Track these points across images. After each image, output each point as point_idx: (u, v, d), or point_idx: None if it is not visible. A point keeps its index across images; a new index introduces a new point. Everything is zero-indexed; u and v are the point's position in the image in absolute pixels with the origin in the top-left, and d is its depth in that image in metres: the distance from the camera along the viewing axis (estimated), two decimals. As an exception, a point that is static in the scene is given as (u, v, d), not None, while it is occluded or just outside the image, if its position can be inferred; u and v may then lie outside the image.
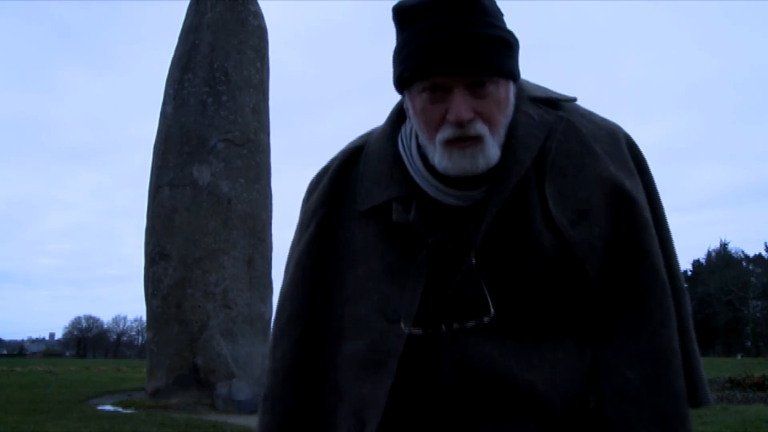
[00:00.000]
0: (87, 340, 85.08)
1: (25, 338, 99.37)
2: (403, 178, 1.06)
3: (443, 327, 0.99)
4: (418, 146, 1.05)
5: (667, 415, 0.96)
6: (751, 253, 58.22)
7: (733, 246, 60.36)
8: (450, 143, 0.97)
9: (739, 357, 38.31)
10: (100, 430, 6.91)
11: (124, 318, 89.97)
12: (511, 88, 1.02)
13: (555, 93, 1.12)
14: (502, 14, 1.01)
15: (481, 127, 0.97)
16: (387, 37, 1.05)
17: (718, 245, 60.19)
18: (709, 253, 59.30)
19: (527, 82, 1.11)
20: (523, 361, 0.98)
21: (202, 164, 10.18)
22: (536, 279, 0.99)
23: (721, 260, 56.27)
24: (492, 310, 0.97)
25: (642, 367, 0.97)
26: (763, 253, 56.26)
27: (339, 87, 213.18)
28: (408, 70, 0.98)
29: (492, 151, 0.98)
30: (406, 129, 1.10)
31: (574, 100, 1.12)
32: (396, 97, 1.11)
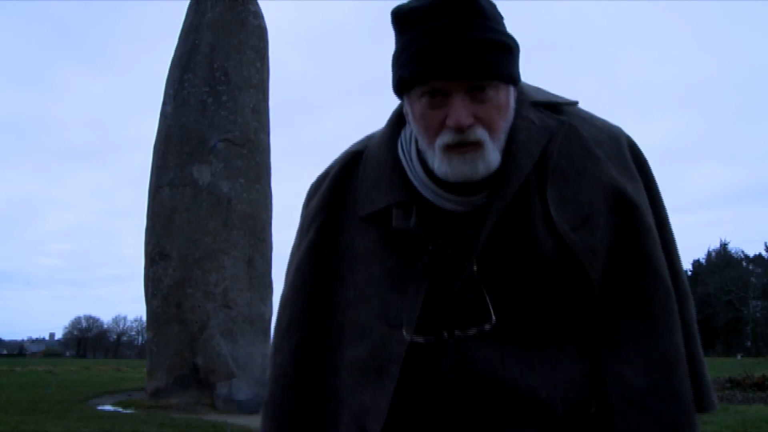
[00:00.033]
0: (87, 340, 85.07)
1: (25, 338, 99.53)
2: (403, 183, 1.05)
3: (445, 334, 0.98)
4: (418, 151, 1.04)
5: (675, 421, 0.95)
6: (751, 253, 58.33)
7: (733, 246, 60.49)
8: (449, 148, 0.96)
9: (739, 357, 38.33)
10: (100, 430, 6.90)
11: (124, 318, 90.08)
12: (512, 92, 1.01)
13: (556, 96, 1.11)
14: (502, 18, 1.00)
15: (481, 133, 0.96)
16: (387, 38, 1.04)
17: (718, 245, 60.30)
18: (709, 253, 59.36)
19: (528, 86, 1.10)
20: (524, 366, 0.97)
21: (202, 164, 10.18)
22: (538, 284, 0.99)
23: (721, 260, 56.29)
24: (493, 317, 0.96)
25: (648, 373, 0.97)
26: (763, 253, 56.31)
27: (339, 87, 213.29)
28: (407, 74, 0.97)
29: (492, 156, 0.97)
30: (406, 133, 1.08)
31: (576, 103, 1.11)
32: (396, 99, 1.10)
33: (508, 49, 0.97)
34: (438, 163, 0.98)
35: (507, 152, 1.00)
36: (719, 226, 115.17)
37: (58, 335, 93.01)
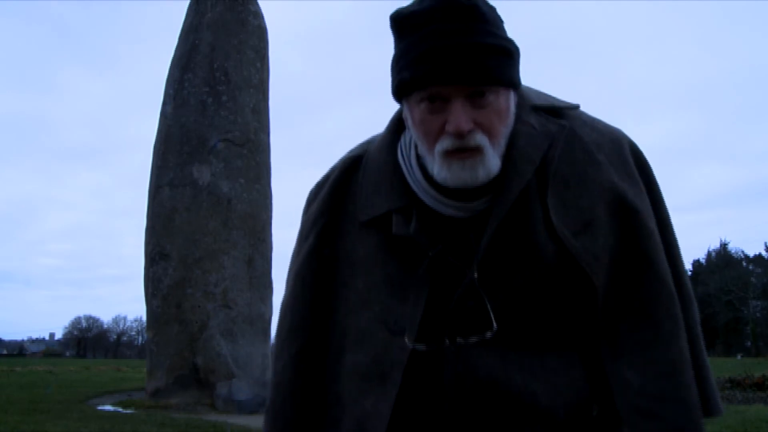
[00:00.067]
0: (87, 340, 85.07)
1: (25, 338, 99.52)
2: (402, 188, 1.04)
3: (446, 341, 0.98)
4: (418, 156, 1.03)
5: (685, 429, 0.95)
6: (751, 253, 58.32)
7: (733, 246, 60.48)
8: (449, 154, 0.95)
9: (739, 357, 38.32)
10: (100, 430, 6.90)
11: (124, 318, 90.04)
12: (512, 97, 1.00)
13: (557, 100, 1.09)
14: (502, 22, 0.98)
15: (480, 138, 0.95)
16: (387, 38, 1.03)
17: (718, 245, 60.30)
18: (709, 253, 59.36)
19: (529, 90, 1.09)
20: (526, 372, 0.97)
21: (202, 164, 10.18)
22: (539, 290, 0.98)
23: (721, 260, 56.29)
24: (495, 324, 0.96)
25: (656, 381, 0.96)
26: (763, 253, 56.30)
27: (339, 87, 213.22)
28: (406, 79, 0.96)
29: (492, 162, 0.96)
30: (405, 138, 1.07)
31: (577, 107, 1.10)
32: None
33: (509, 53, 0.96)
34: (437, 169, 0.97)
35: (507, 158, 0.99)
36: (719, 226, 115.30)
37: (58, 335, 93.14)
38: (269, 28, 11.35)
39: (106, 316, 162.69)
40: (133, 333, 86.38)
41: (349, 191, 1.11)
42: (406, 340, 0.98)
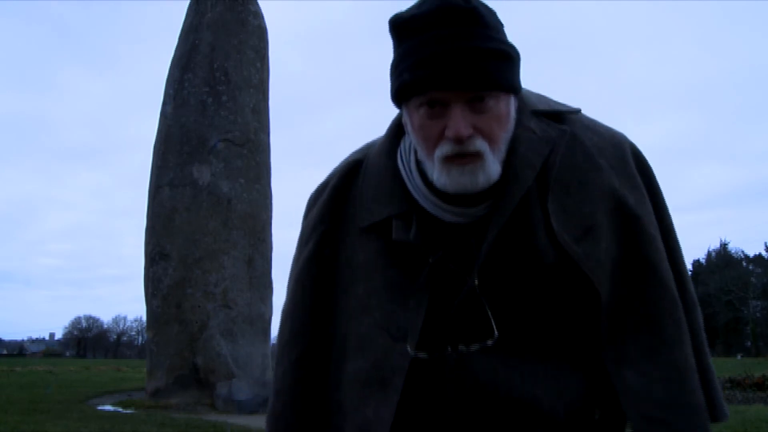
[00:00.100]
0: (87, 340, 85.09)
1: (25, 338, 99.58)
2: (402, 194, 1.03)
3: (448, 348, 0.98)
4: (417, 161, 1.02)
5: None
6: (751, 253, 58.31)
7: (733, 246, 60.45)
8: (449, 160, 0.94)
9: (739, 357, 38.36)
10: (100, 430, 6.90)
11: (124, 318, 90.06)
12: (512, 102, 0.99)
13: (558, 105, 1.09)
14: (502, 26, 0.98)
15: (480, 144, 0.94)
16: (387, 38, 1.02)
17: (718, 245, 60.26)
18: (709, 253, 59.35)
19: (530, 94, 1.08)
20: (527, 376, 0.97)
21: (202, 164, 10.18)
22: (540, 296, 0.98)
23: (721, 260, 56.29)
24: (496, 332, 0.96)
25: (663, 388, 0.96)
26: (763, 253, 56.30)
27: (339, 87, 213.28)
28: (405, 84, 0.95)
29: (492, 167, 0.95)
30: (405, 143, 1.07)
31: (578, 111, 1.09)
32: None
33: (509, 58, 0.95)
34: (437, 175, 0.96)
35: (508, 163, 0.98)
36: (719, 226, 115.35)
37: (58, 335, 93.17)
38: (269, 28, 11.38)
39: (106, 316, 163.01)
40: (133, 333, 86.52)
41: (349, 196, 1.10)
42: (408, 347, 0.97)
